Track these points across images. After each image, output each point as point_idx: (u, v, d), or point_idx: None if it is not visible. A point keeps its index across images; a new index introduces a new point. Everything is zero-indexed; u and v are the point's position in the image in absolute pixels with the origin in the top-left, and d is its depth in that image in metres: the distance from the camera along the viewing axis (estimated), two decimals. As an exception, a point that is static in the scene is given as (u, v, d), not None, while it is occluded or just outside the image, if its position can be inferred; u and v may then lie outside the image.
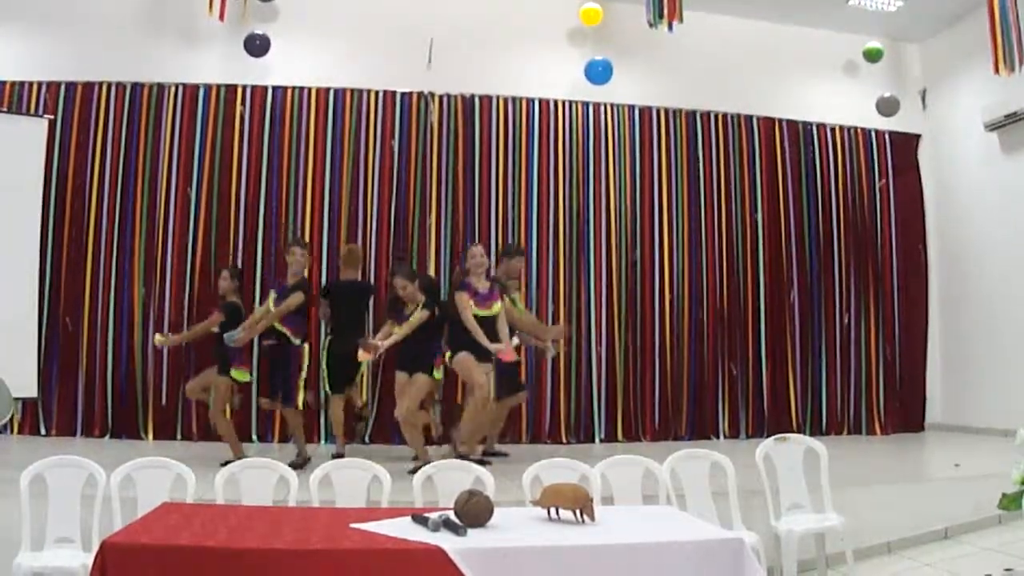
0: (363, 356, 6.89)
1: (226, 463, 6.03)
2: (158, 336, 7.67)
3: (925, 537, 5.94)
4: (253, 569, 2.83)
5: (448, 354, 7.04)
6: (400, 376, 6.96)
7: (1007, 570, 5.18)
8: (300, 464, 6.83)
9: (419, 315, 6.80)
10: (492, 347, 6.78)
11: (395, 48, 9.18)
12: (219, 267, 8.62)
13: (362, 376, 8.27)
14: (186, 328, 8.14)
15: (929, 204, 10.67)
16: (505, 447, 8.07)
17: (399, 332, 6.80)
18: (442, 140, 9.28)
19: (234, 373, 7.16)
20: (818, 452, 5.01)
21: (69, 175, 8.61)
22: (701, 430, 9.47)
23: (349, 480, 4.35)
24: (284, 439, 8.53)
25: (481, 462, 6.04)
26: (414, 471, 5.98)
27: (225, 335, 7.04)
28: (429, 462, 6.15)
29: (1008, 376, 9.28)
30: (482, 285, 6.93)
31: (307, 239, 8.82)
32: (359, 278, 8.21)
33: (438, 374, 7.03)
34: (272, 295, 7.32)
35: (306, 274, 7.53)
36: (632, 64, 9.65)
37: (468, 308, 6.77)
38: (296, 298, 7.06)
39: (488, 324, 6.82)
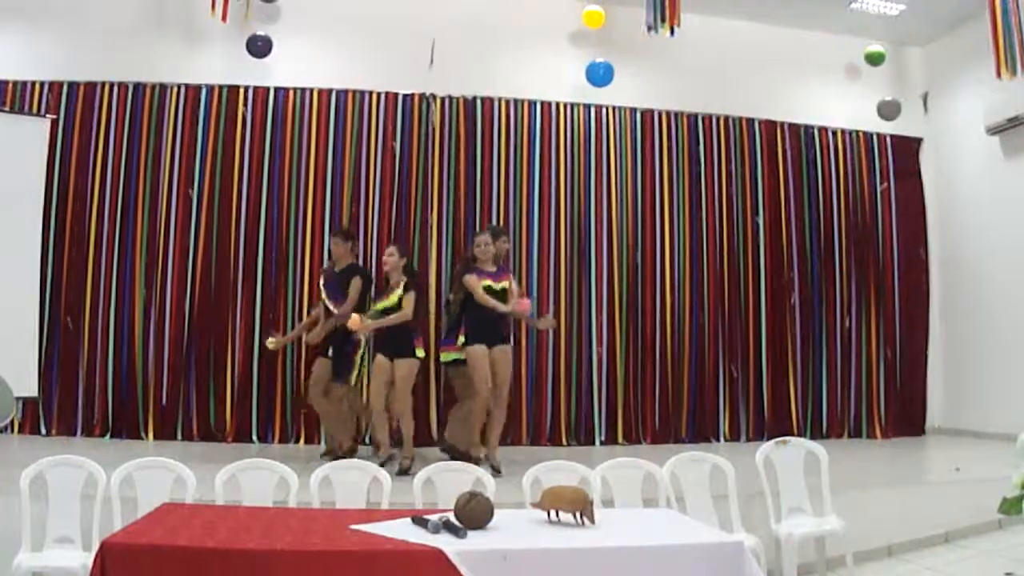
0: (353, 325, 6.86)
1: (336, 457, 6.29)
2: (270, 340, 7.88)
3: (925, 541, 5.95)
4: (253, 570, 2.84)
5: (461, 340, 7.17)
6: (380, 360, 6.87)
7: (1007, 574, 5.18)
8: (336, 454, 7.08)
9: (408, 298, 6.81)
10: (507, 307, 6.85)
11: (397, 49, 9.18)
12: (220, 267, 8.67)
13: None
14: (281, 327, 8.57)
15: (930, 208, 10.66)
16: (505, 449, 8.05)
17: (395, 318, 6.80)
18: (444, 142, 9.28)
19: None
20: (818, 455, 5.01)
21: (71, 175, 8.61)
22: (701, 433, 9.46)
23: (349, 481, 4.35)
24: (284, 440, 8.54)
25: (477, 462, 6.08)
26: (402, 472, 6.15)
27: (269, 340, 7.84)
28: (392, 456, 6.53)
29: (1009, 380, 9.28)
30: (489, 268, 7.01)
31: (308, 240, 8.84)
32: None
33: (420, 352, 6.96)
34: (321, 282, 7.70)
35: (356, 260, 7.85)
36: (634, 67, 9.65)
37: (478, 285, 6.84)
38: (356, 284, 7.32)
39: (500, 296, 6.90)
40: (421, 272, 8.89)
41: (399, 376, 6.77)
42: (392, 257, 6.94)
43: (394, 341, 6.85)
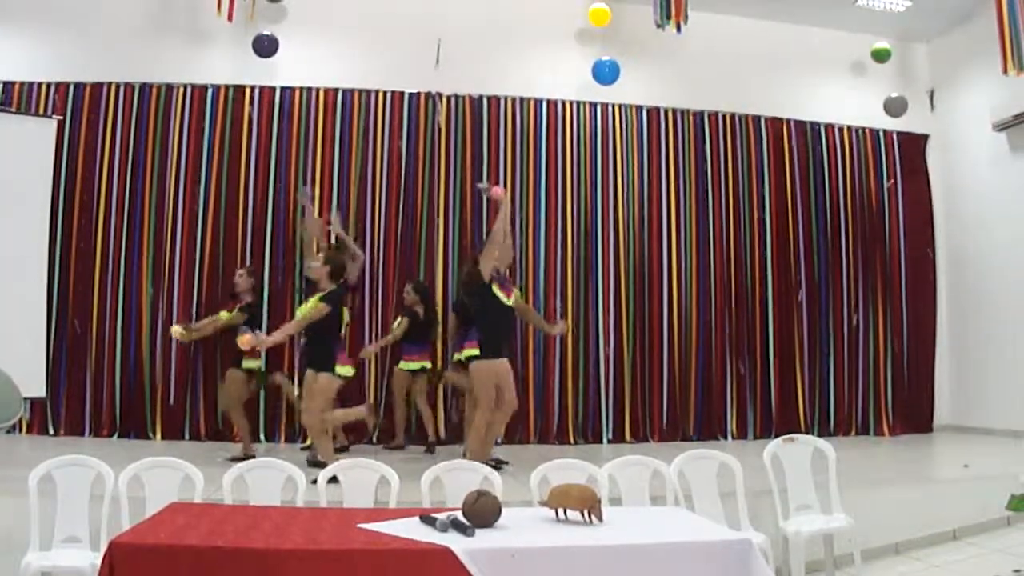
0: (243, 343, 6.54)
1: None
2: (177, 330, 7.65)
3: (933, 538, 5.93)
4: (261, 569, 2.84)
5: (465, 353, 6.97)
6: (308, 373, 6.52)
7: (1015, 571, 5.17)
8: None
9: (315, 307, 6.30)
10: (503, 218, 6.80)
11: (403, 49, 9.18)
12: (228, 266, 8.67)
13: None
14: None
15: (937, 204, 10.63)
16: (513, 447, 8.07)
17: (289, 327, 6.48)
18: (450, 140, 9.28)
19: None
20: (826, 453, 5.01)
21: (77, 176, 8.63)
22: (709, 430, 9.45)
23: (357, 480, 4.35)
24: (291, 439, 8.55)
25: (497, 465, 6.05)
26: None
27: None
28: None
29: (1016, 377, 9.24)
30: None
31: (315, 239, 8.85)
32: None
33: (341, 370, 6.39)
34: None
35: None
36: (640, 64, 9.63)
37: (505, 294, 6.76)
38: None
39: (506, 311, 6.79)
40: (428, 272, 8.93)
41: (314, 389, 6.38)
42: (315, 263, 6.56)
43: (312, 354, 6.52)
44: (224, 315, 7.46)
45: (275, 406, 8.64)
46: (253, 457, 7.20)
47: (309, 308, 6.33)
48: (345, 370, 6.45)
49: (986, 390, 9.82)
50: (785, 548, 4.87)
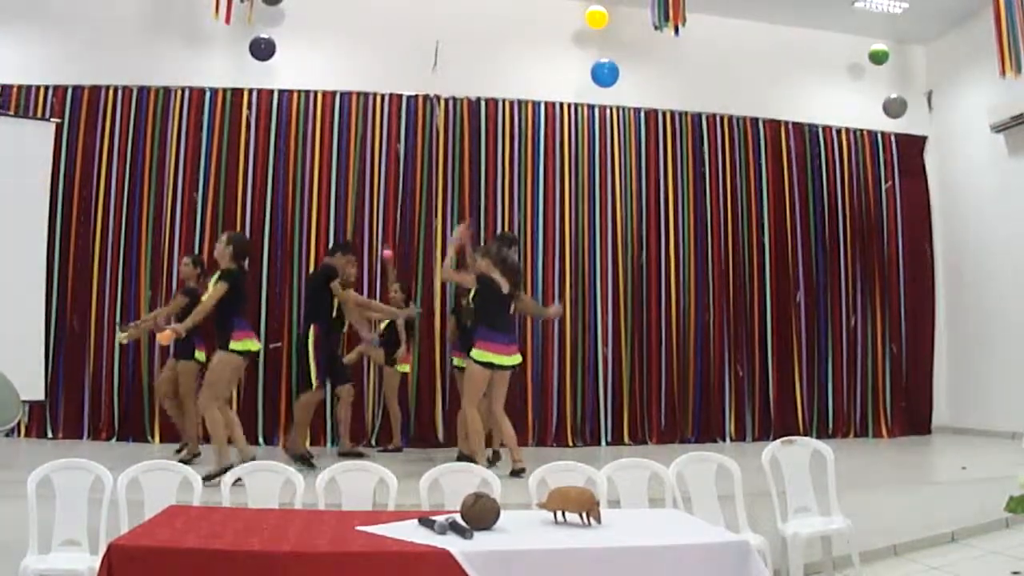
0: (163, 339, 6.39)
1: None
2: (121, 334, 7.53)
3: (932, 540, 5.92)
4: (259, 572, 2.84)
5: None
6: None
7: (1014, 573, 5.16)
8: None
9: (215, 287, 6.21)
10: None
11: (401, 51, 9.18)
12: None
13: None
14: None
15: (935, 206, 10.64)
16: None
17: (198, 312, 6.26)
18: (448, 143, 9.29)
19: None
20: (824, 454, 5.00)
21: (76, 179, 8.63)
22: (707, 432, 9.45)
23: (355, 483, 4.35)
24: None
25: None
26: (209, 477, 5.25)
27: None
28: (230, 467, 5.15)
29: (1015, 379, 9.24)
30: None
31: (312, 242, 8.84)
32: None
33: (236, 345, 6.23)
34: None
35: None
36: (638, 67, 9.64)
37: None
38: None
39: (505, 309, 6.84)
40: (426, 275, 8.94)
41: (208, 371, 6.36)
42: (218, 244, 6.49)
43: (216, 335, 6.40)
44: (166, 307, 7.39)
45: (273, 408, 8.65)
46: (199, 455, 7.16)
47: (210, 290, 6.23)
48: (243, 344, 6.30)
49: (984, 392, 9.82)
50: (784, 550, 4.86)
